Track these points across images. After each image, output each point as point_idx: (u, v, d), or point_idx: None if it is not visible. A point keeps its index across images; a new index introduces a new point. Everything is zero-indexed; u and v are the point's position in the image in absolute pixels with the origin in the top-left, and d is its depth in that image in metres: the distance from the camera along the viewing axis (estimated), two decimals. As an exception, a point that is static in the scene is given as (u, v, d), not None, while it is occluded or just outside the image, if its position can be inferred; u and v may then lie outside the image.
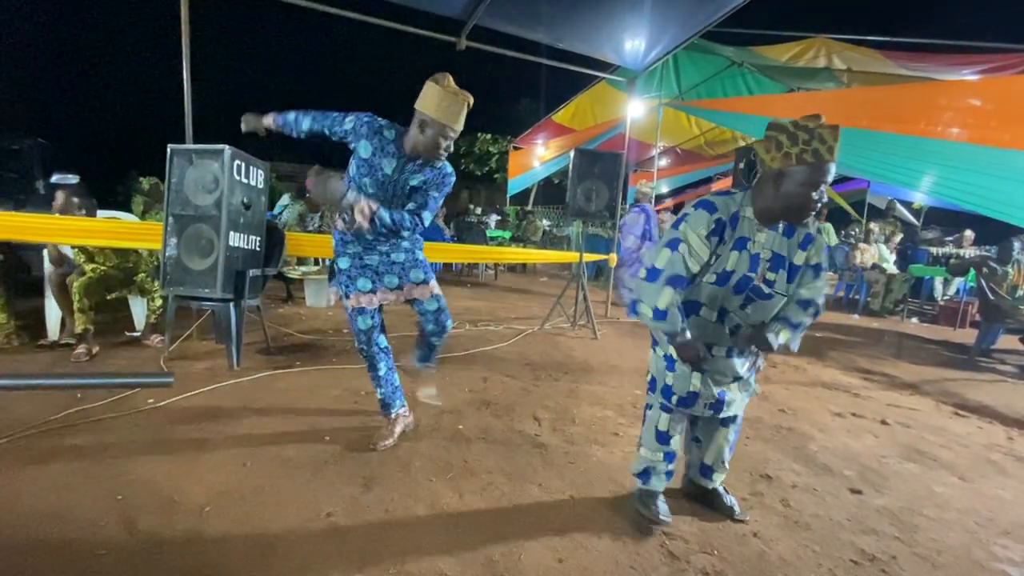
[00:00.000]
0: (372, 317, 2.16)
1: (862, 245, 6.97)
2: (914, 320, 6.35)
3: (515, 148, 10.46)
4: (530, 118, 9.85)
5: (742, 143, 7.79)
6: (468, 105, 1.96)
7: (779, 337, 1.56)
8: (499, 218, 11.72)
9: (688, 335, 1.57)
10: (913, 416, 3.04)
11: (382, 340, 2.21)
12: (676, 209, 11.01)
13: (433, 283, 2.21)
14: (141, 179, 5.03)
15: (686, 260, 1.54)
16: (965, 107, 4.87)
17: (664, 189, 11.58)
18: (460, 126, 1.98)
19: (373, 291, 2.14)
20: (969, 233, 7.17)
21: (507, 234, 10.46)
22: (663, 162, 10.07)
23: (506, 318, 5.04)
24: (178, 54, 3.51)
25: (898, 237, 7.52)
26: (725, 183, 9.41)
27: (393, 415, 2.27)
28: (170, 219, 2.97)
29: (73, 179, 6.79)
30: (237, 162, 2.99)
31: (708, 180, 10.82)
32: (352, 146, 2.03)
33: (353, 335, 2.19)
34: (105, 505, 1.65)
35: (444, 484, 1.91)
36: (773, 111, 6.02)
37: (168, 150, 2.97)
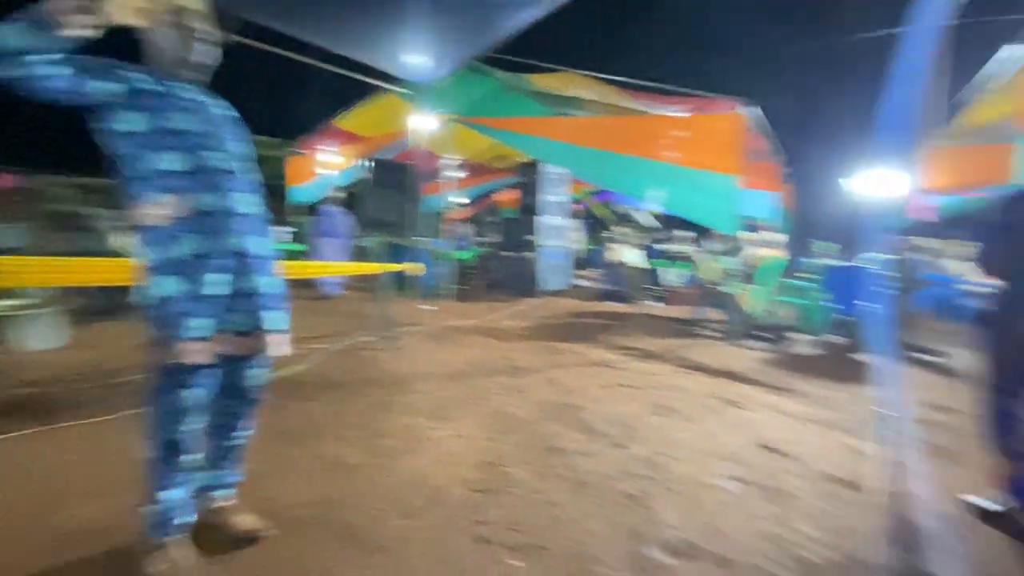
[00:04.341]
0: (209, 381, 1.46)
1: (612, 246, 8.51)
2: (654, 303, 7.99)
3: (296, 154, 9.73)
4: (315, 122, 9.28)
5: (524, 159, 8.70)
6: None
7: None
8: (293, 231, 10.67)
9: None
10: (658, 379, 3.84)
11: (201, 421, 1.49)
12: (477, 217, 11.64)
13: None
14: None
15: None
16: (677, 137, 6.30)
17: (462, 200, 12.08)
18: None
19: (211, 337, 1.41)
20: (683, 233, 9.32)
21: (302, 248, 9.62)
22: (457, 174, 10.54)
23: (303, 339, 4.65)
24: None
25: (642, 239, 9.36)
26: (511, 195, 10.33)
27: (168, 540, 1.46)
28: None
29: None
30: None
31: (496, 190, 11.75)
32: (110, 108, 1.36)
33: (158, 409, 1.41)
34: None
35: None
36: (540, 131, 6.87)
37: None
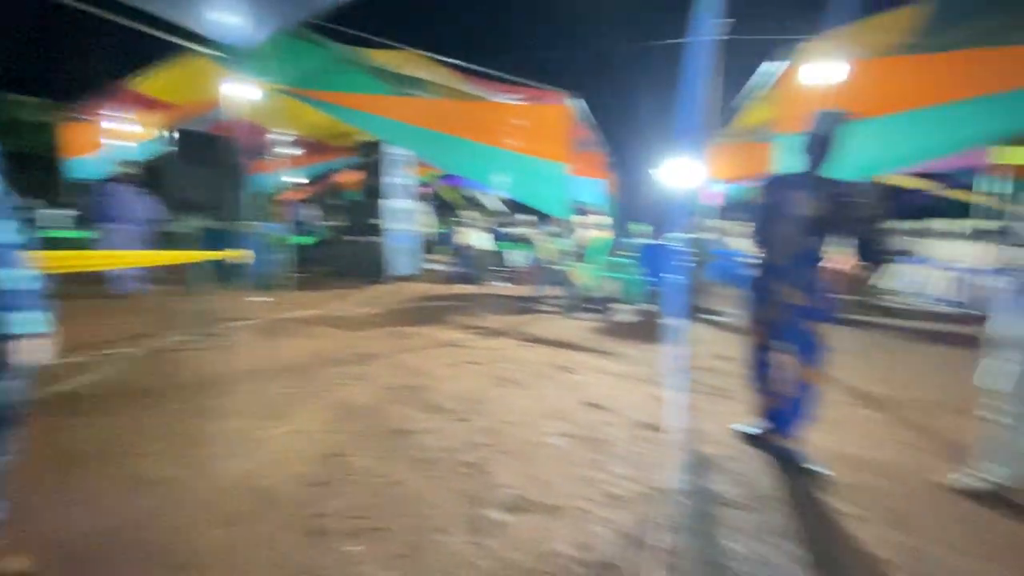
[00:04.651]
0: None
1: (461, 229, 8.66)
2: (501, 283, 8.36)
3: (75, 120, 7.93)
4: (101, 83, 7.60)
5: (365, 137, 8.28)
6: None
7: None
8: (76, 213, 8.67)
9: None
10: (501, 353, 4.05)
11: None
12: (318, 199, 10.77)
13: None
14: None
15: None
16: (516, 125, 6.57)
17: (299, 179, 11.08)
18: None
19: None
20: (525, 216, 9.87)
21: (84, 234, 7.92)
22: (290, 151, 9.63)
23: (95, 343, 3.88)
24: None
25: (489, 222, 9.66)
26: (353, 176, 9.79)
27: None
28: None
29: None
30: None
31: (337, 170, 11.00)
32: None
33: None
34: None
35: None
36: (381, 110, 6.63)
37: None
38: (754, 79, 6.02)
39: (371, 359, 3.77)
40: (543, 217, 8.06)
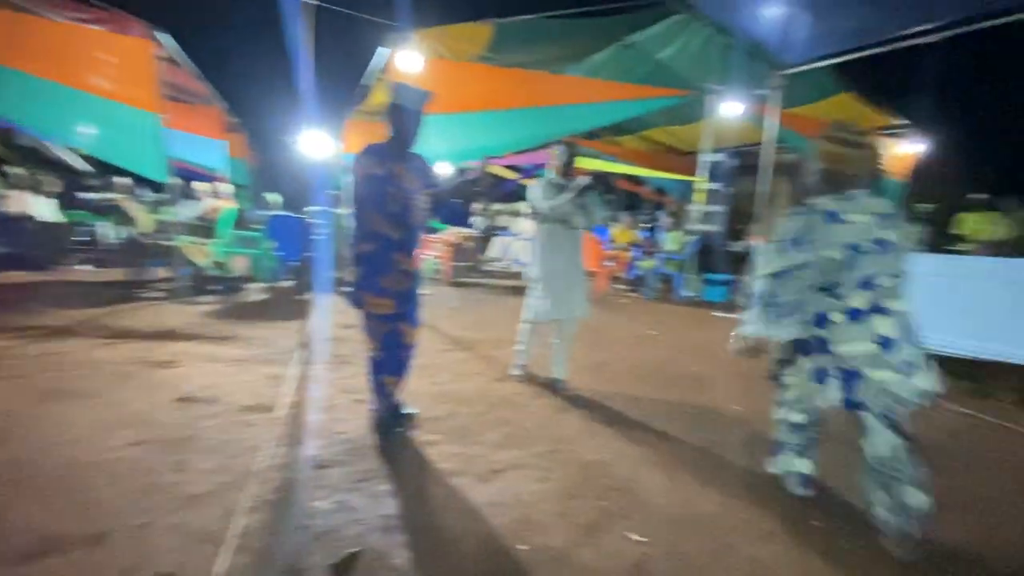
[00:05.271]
0: None
1: (11, 193, 6.03)
2: (85, 267, 6.35)
3: None
4: None
5: None
6: None
7: None
8: None
9: None
10: (61, 359, 3.07)
11: None
12: None
13: None
14: None
15: None
16: (97, 59, 4.93)
17: None
18: None
19: None
20: (121, 180, 7.66)
21: None
22: None
23: None
24: None
25: (57, 185, 7.06)
26: None
27: None
28: None
29: None
30: None
31: None
32: None
33: None
34: None
35: None
36: None
37: None
38: (373, 61, 6.33)
39: None
40: (142, 181, 6.43)
